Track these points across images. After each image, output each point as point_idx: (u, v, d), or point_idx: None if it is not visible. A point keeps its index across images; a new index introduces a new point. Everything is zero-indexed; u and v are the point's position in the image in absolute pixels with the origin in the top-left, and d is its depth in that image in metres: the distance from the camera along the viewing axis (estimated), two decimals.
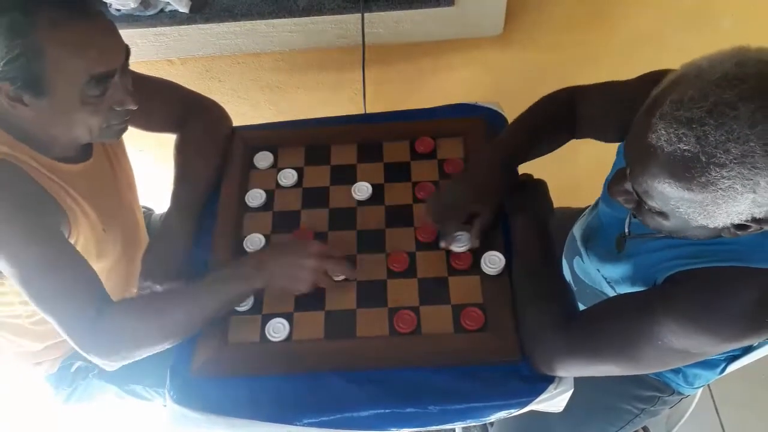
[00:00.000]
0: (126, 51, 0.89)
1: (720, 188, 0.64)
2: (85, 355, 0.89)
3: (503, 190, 1.02)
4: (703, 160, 0.63)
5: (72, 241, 0.94)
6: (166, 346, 0.92)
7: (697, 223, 0.70)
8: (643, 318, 0.79)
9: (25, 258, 0.85)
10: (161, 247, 1.04)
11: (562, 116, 1.05)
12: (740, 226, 0.70)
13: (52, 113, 0.86)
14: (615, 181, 0.78)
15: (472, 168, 1.06)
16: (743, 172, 0.62)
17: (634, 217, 0.90)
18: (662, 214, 0.74)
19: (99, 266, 1.01)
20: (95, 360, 0.90)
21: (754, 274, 0.73)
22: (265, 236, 1.06)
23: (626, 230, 0.93)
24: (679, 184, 0.67)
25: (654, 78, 0.89)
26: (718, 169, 0.63)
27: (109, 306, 0.89)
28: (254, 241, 1.05)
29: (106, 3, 0.86)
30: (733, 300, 0.73)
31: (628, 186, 0.75)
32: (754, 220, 0.68)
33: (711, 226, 0.70)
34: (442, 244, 1.00)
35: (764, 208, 0.65)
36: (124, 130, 0.97)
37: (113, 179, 1.10)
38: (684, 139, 0.64)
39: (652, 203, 0.72)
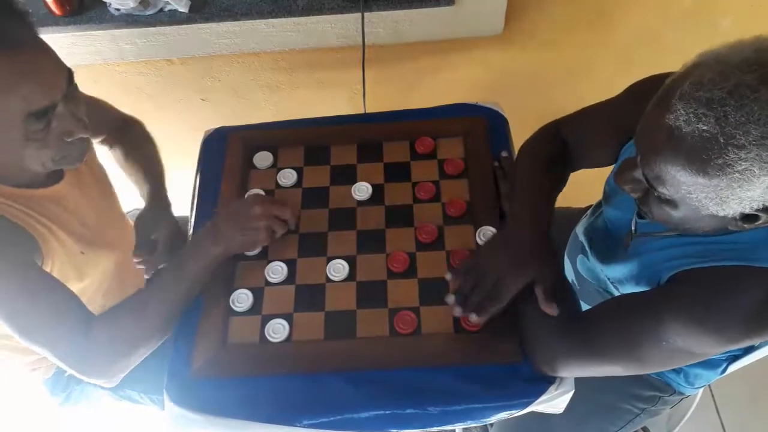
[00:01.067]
0: (68, 75, 0.82)
1: (737, 171, 0.64)
2: (86, 379, 0.90)
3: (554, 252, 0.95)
4: (722, 141, 0.63)
5: (47, 268, 0.92)
6: (157, 342, 0.94)
7: (708, 212, 0.70)
8: (646, 318, 0.78)
9: (4, 294, 0.83)
10: (147, 218, 1.12)
11: (558, 158, 1.03)
12: (749, 217, 0.70)
13: (0, 150, 0.82)
14: (623, 168, 0.78)
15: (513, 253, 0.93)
16: (762, 155, 0.62)
17: (640, 217, 0.90)
18: (671, 203, 0.73)
19: (82, 286, 1.01)
20: (97, 381, 0.91)
21: (758, 274, 0.73)
22: None
23: (633, 229, 0.93)
24: (694, 167, 0.66)
25: (642, 89, 0.90)
26: (736, 151, 0.63)
27: (94, 325, 0.89)
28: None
29: (34, 29, 0.80)
30: (738, 300, 0.73)
31: (637, 174, 0.75)
32: (766, 209, 0.68)
33: (721, 214, 0.70)
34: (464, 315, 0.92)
35: None
36: (83, 155, 0.91)
37: (88, 196, 1.05)
38: (703, 119, 0.64)
39: (663, 189, 0.72)
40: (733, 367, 1.07)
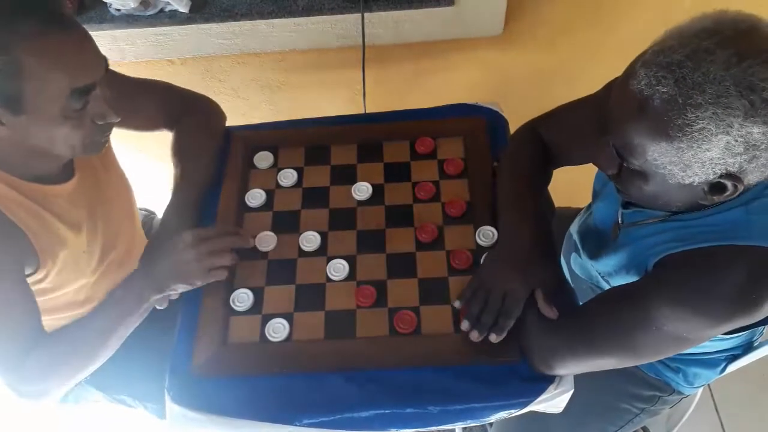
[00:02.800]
0: (105, 63, 0.86)
1: (695, 130, 0.67)
2: (8, 389, 0.90)
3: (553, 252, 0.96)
4: (680, 101, 0.67)
5: (44, 272, 0.93)
6: (88, 372, 0.95)
7: (675, 180, 0.73)
8: (635, 305, 0.79)
9: None
10: (160, 249, 1.03)
11: (538, 159, 1.04)
12: (716, 188, 0.72)
13: (32, 131, 0.83)
14: (597, 146, 0.81)
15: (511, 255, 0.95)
16: (717, 112, 0.65)
17: (625, 208, 0.92)
18: (641, 175, 0.76)
19: (79, 285, 1.01)
20: (28, 403, 0.92)
21: (740, 252, 0.74)
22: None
23: (619, 220, 0.94)
24: (656, 130, 0.69)
25: None
26: (693, 110, 0.66)
27: (30, 356, 0.90)
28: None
29: (73, 16, 0.83)
30: (722, 279, 0.74)
31: (609, 148, 0.78)
32: (729, 175, 0.70)
33: (687, 181, 0.72)
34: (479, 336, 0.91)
35: (738, 158, 0.68)
36: (106, 143, 0.94)
37: (101, 194, 1.06)
38: (663, 81, 0.68)
39: (632, 159, 0.75)
40: (733, 366, 1.07)
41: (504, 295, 0.90)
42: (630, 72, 0.72)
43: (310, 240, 1.05)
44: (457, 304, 0.95)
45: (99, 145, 0.92)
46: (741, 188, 0.71)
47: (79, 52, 0.82)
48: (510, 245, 0.95)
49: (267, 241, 1.06)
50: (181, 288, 0.95)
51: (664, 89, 0.67)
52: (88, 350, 0.94)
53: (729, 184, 0.71)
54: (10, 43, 0.75)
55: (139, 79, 1.10)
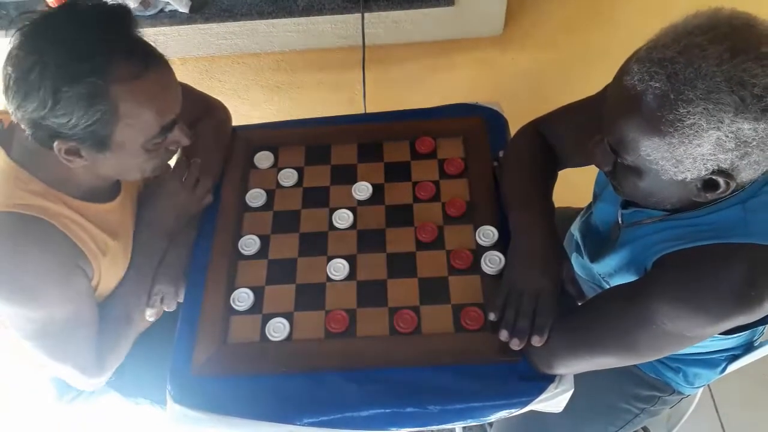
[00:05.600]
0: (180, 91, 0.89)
1: (686, 125, 0.67)
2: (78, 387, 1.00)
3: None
4: (672, 97, 0.67)
5: (93, 283, 0.95)
6: (130, 341, 1.03)
7: (668, 176, 0.73)
8: (635, 304, 0.79)
9: (60, 316, 0.89)
10: (168, 251, 1.05)
11: (543, 158, 1.04)
12: (708, 185, 0.73)
13: (109, 164, 0.85)
14: (593, 143, 0.82)
15: (524, 254, 0.95)
16: (708, 108, 0.65)
17: (624, 208, 0.92)
18: (635, 171, 0.76)
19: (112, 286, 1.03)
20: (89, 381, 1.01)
21: (738, 250, 0.75)
22: (266, 236, 1.07)
23: (619, 220, 0.94)
24: (648, 125, 0.70)
25: None
26: (685, 105, 0.66)
27: (106, 356, 0.99)
28: (248, 243, 1.06)
29: (162, 55, 0.87)
30: (720, 277, 0.74)
31: (604, 144, 0.79)
32: (721, 171, 0.70)
33: (679, 177, 0.72)
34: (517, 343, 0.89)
35: (729, 154, 0.68)
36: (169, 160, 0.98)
37: (135, 206, 1.07)
38: (655, 76, 0.68)
39: (626, 155, 0.75)
40: (733, 366, 1.07)
41: (537, 295, 0.89)
42: (624, 68, 0.73)
43: (310, 239, 1.05)
44: (491, 317, 0.92)
45: (164, 167, 0.96)
46: (733, 185, 0.72)
47: (167, 89, 0.85)
48: (529, 245, 0.94)
49: (249, 243, 1.06)
50: (178, 226, 1.04)
51: (657, 85, 0.68)
52: (127, 315, 1.00)
53: (721, 180, 0.71)
54: (107, 89, 0.77)
55: None
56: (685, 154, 0.69)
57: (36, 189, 0.85)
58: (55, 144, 0.79)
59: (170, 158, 0.96)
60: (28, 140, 0.81)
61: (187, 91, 1.14)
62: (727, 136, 0.66)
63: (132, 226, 1.03)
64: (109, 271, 0.97)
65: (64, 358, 0.94)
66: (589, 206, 1.15)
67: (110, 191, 0.97)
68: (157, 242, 1.03)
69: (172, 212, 1.04)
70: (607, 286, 1.02)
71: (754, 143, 0.67)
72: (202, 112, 1.16)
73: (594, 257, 1.03)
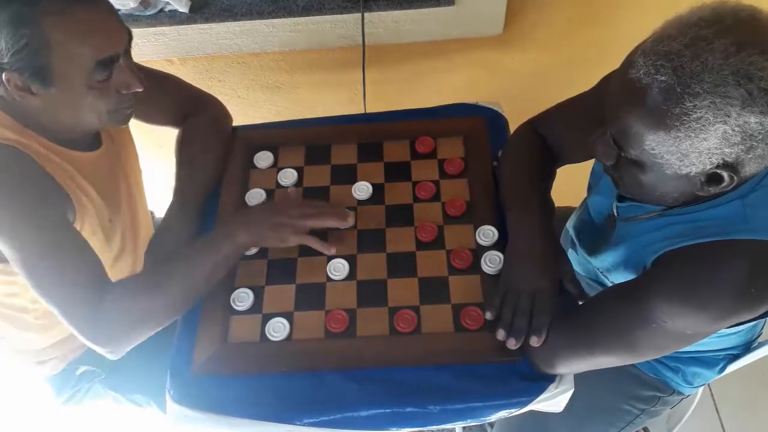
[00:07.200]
0: (129, 34, 0.90)
1: (693, 119, 0.67)
2: (92, 346, 0.89)
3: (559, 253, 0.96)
4: (678, 90, 0.66)
5: (77, 227, 0.94)
6: (168, 320, 0.92)
7: (672, 171, 0.72)
8: (635, 303, 0.79)
9: (29, 242, 0.85)
10: (165, 243, 1.04)
11: (540, 157, 1.04)
12: (713, 179, 0.72)
13: (61, 101, 0.87)
14: (594, 136, 0.81)
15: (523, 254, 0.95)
16: (715, 102, 0.65)
17: (620, 201, 0.92)
18: (638, 165, 0.75)
19: (105, 256, 1.01)
20: (102, 351, 0.89)
21: (738, 247, 0.74)
22: None
23: (614, 212, 0.94)
24: (654, 119, 0.69)
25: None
26: (691, 99, 0.66)
27: (111, 291, 0.88)
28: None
29: None
30: (721, 275, 0.74)
31: (606, 137, 0.78)
32: (726, 165, 0.69)
33: (684, 171, 0.72)
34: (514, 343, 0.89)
35: (735, 148, 0.67)
36: (132, 114, 0.97)
37: (121, 170, 1.09)
38: (661, 70, 0.67)
39: (629, 149, 0.74)
40: (732, 366, 1.07)
41: (534, 295, 0.89)
42: (629, 61, 0.72)
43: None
44: (488, 315, 0.92)
45: (124, 115, 0.95)
46: (737, 179, 0.71)
47: (102, 24, 0.85)
48: (527, 244, 0.94)
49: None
50: (271, 240, 0.97)
51: (663, 78, 0.67)
52: (171, 294, 0.91)
53: (726, 174, 0.71)
54: (36, 17, 0.78)
55: (157, 71, 1.12)
56: (691, 148, 0.69)
57: (10, 125, 0.88)
58: (3, 76, 0.81)
59: (128, 106, 0.94)
60: None
61: (178, 85, 1.16)
62: (734, 130, 0.66)
63: (123, 199, 1.02)
64: (95, 237, 0.96)
65: (55, 297, 0.87)
66: (584, 201, 1.15)
67: (89, 143, 1.00)
68: (237, 230, 0.95)
69: (267, 219, 0.97)
70: (607, 282, 1.02)
71: (760, 137, 0.66)
72: (194, 106, 1.16)
73: (591, 251, 1.03)
